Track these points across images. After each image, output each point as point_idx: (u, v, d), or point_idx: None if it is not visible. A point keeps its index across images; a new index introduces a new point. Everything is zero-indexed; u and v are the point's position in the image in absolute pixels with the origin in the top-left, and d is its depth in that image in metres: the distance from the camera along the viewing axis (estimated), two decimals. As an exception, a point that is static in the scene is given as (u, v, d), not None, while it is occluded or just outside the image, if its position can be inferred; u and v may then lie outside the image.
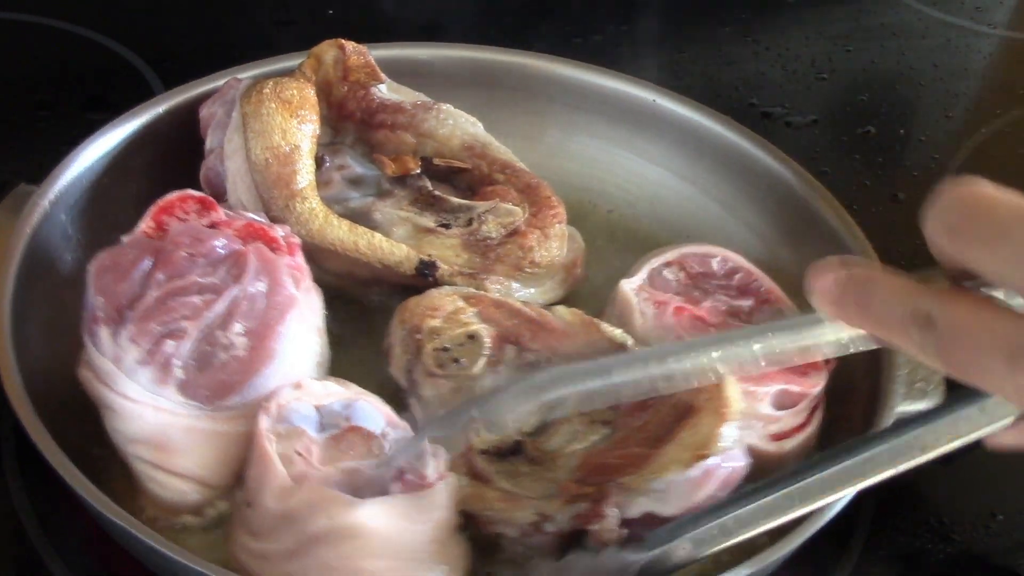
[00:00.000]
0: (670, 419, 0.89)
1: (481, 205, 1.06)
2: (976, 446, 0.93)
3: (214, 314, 0.89)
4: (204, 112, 1.06)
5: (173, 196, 0.95)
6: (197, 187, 1.00)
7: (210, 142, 1.05)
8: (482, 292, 1.00)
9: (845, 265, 0.69)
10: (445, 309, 0.96)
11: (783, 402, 0.94)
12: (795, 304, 1.00)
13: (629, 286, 1.00)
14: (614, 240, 1.13)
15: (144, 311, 0.89)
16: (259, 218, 0.96)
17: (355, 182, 1.06)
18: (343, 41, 1.09)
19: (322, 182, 1.03)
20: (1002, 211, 0.63)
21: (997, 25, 1.49)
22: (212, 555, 0.86)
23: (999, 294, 0.65)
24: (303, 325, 0.92)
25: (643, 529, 0.84)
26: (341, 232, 1.00)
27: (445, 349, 0.95)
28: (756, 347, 0.81)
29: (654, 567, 0.81)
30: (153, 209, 0.94)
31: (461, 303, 0.97)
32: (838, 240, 1.04)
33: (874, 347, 0.77)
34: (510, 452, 0.91)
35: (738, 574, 0.82)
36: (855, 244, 1.03)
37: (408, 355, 0.95)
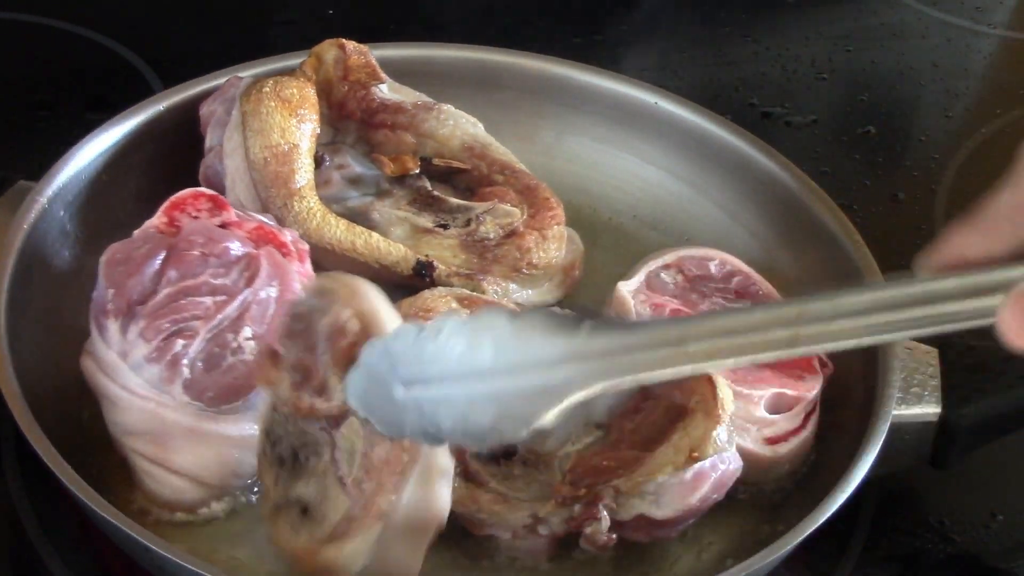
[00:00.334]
0: (663, 421, 0.89)
1: (479, 206, 1.06)
2: (976, 448, 0.93)
3: (225, 316, 0.89)
4: (204, 110, 1.06)
5: (186, 193, 0.95)
6: (196, 185, 1.00)
7: (210, 140, 1.05)
8: (476, 294, 1.00)
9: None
10: (438, 311, 0.96)
11: (778, 406, 0.94)
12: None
13: (627, 288, 1.00)
14: (612, 242, 1.13)
15: (155, 308, 0.89)
16: (268, 221, 0.96)
17: (354, 181, 1.06)
18: (344, 41, 1.09)
19: (321, 181, 1.04)
20: None
21: (997, 25, 1.48)
22: (203, 552, 0.87)
23: None
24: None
25: (636, 531, 0.84)
26: (338, 231, 1.00)
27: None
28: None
29: None
30: (166, 204, 0.94)
31: (455, 305, 0.97)
32: (837, 245, 1.04)
33: None
34: (503, 454, 0.91)
35: (738, 574, 0.82)
36: (854, 249, 1.02)
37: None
